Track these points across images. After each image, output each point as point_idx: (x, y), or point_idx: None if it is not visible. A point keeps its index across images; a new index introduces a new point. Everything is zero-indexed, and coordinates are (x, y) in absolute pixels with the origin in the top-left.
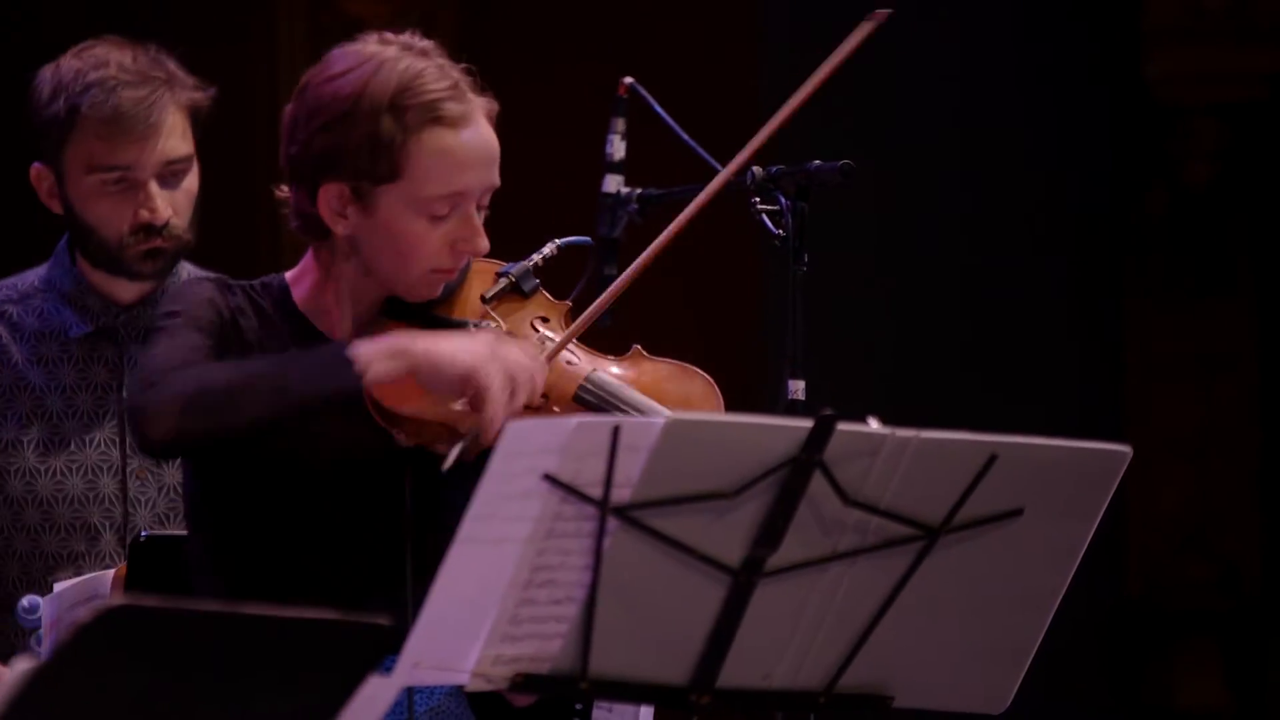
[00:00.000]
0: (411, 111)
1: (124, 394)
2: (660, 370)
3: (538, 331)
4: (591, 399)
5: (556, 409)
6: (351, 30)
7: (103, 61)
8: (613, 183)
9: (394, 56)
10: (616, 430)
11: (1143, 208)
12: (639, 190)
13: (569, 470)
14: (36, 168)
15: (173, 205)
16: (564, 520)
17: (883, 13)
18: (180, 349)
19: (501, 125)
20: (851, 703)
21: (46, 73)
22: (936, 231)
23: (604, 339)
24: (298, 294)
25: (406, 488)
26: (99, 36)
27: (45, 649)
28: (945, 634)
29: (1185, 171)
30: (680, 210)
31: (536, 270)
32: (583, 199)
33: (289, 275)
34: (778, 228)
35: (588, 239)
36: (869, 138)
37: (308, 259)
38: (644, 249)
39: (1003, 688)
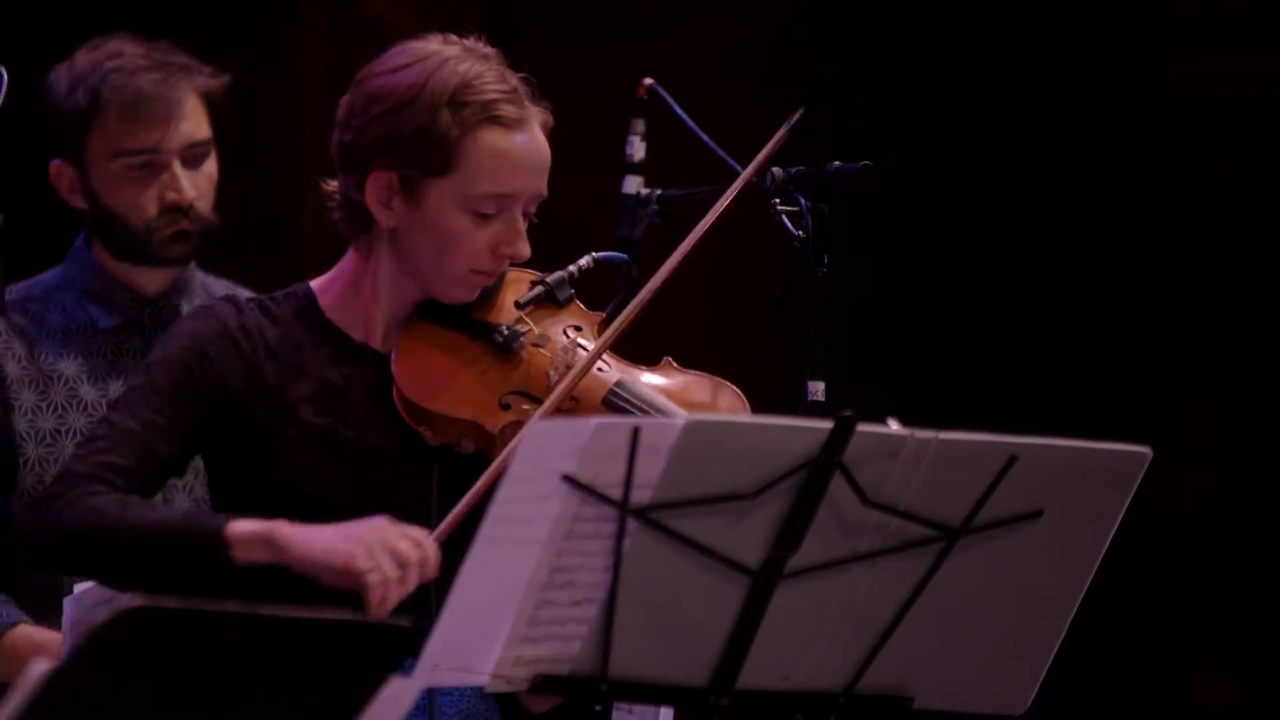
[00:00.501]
0: (470, 108)
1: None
2: (690, 381)
3: (569, 338)
4: (622, 405)
5: (583, 413)
6: (371, 31)
7: (118, 52)
8: (633, 184)
9: (457, 55)
10: (636, 431)
11: (1163, 209)
12: (659, 191)
13: (589, 472)
14: (56, 164)
15: (196, 188)
16: (584, 521)
17: (794, 119)
18: (119, 438)
19: None
20: (871, 704)
21: (61, 69)
22: (955, 232)
23: (634, 350)
24: (325, 301)
25: (433, 486)
26: (117, 26)
27: (66, 649)
28: (965, 635)
29: (1205, 172)
30: (700, 212)
31: (572, 281)
32: (603, 200)
33: (315, 284)
34: (797, 229)
35: (625, 255)
36: (887, 139)
37: (340, 265)
38: (665, 251)
39: (1022, 689)
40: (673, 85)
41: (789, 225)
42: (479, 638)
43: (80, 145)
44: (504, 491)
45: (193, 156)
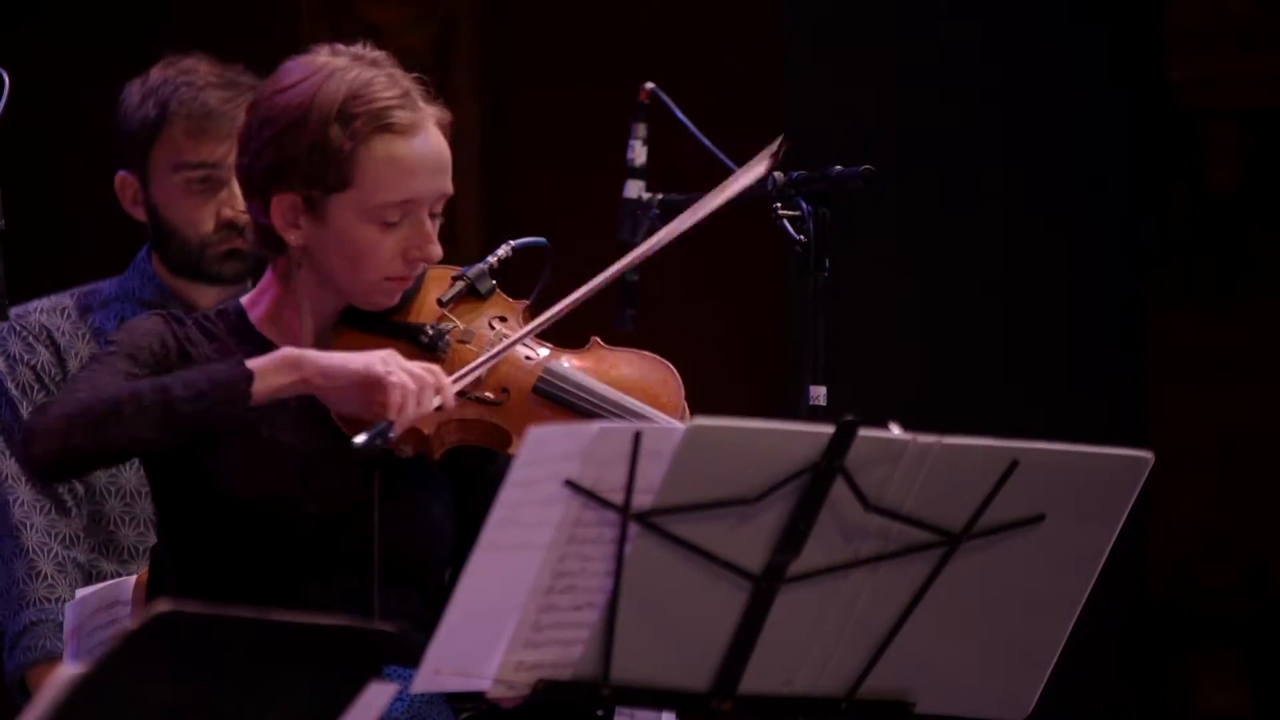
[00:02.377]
0: (360, 119)
1: None
2: (619, 358)
3: (494, 329)
4: (551, 390)
5: (515, 403)
6: (373, 34)
7: (191, 68)
8: (634, 188)
9: (343, 66)
10: (638, 436)
11: (1165, 212)
12: (660, 195)
13: (590, 476)
14: (121, 175)
15: None
16: (585, 526)
17: (775, 146)
18: (101, 376)
19: (522, 131)
20: (873, 709)
21: (135, 83)
22: (958, 236)
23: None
24: (255, 315)
25: (374, 489)
26: (127, 40)
27: (68, 655)
28: (967, 640)
29: (1208, 176)
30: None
31: (492, 272)
32: (604, 204)
33: (244, 300)
34: (799, 233)
35: (543, 240)
36: (890, 142)
37: (265, 279)
38: (667, 257)
39: (1024, 694)
40: (674, 89)
41: (790, 230)
42: (481, 642)
43: (145, 157)
44: (505, 496)
45: None
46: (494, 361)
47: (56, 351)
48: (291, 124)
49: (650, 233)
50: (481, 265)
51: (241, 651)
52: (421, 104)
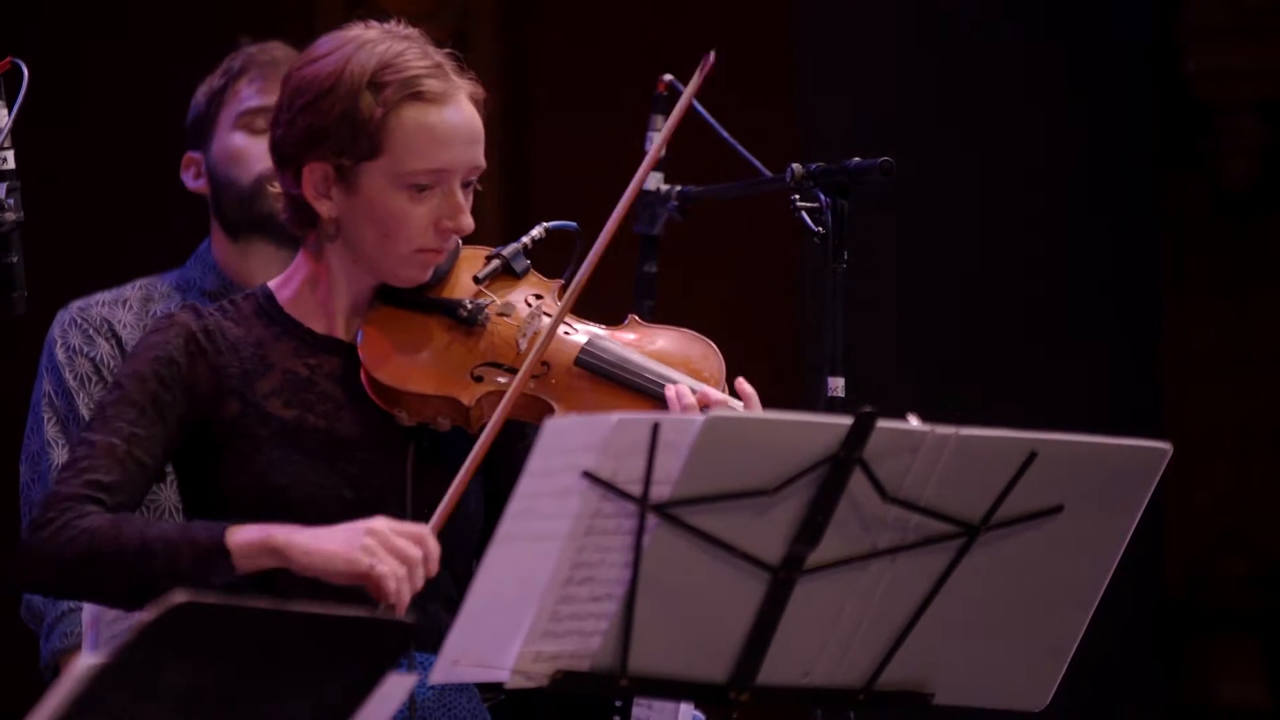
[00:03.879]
0: (391, 88)
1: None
2: (659, 334)
3: (531, 305)
4: (594, 362)
5: (557, 376)
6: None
7: (260, 46)
8: (652, 179)
9: (375, 38)
10: (656, 427)
11: (1182, 204)
12: (678, 187)
13: (608, 467)
14: (186, 157)
15: None
16: (603, 517)
17: (708, 59)
18: (100, 455)
19: (540, 122)
20: (891, 700)
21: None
22: (976, 228)
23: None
24: (283, 297)
25: (408, 471)
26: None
27: (87, 645)
28: (985, 631)
29: (1224, 168)
30: (726, 207)
31: (526, 252)
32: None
33: (273, 283)
34: (817, 225)
35: (574, 224)
36: (908, 135)
37: (295, 261)
38: (686, 246)
39: (1042, 685)
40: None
41: (809, 221)
42: (499, 634)
43: (212, 122)
44: (523, 487)
45: None
46: (547, 342)
47: (118, 343)
48: (322, 93)
49: (669, 225)
50: (516, 245)
51: (259, 642)
52: (454, 76)
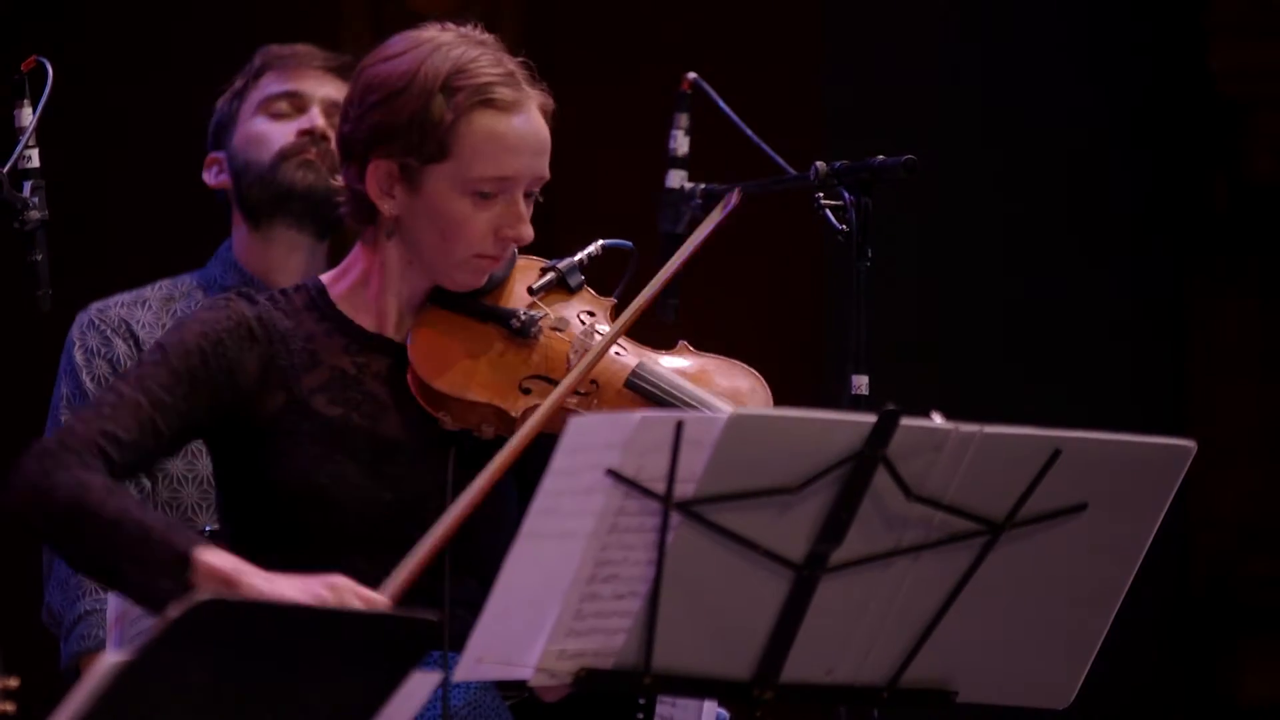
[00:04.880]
0: (463, 93)
1: None
2: (708, 364)
3: (585, 323)
4: (645, 386)
5: (605, 396)
6: (414, 24)
7: (279, 45)
8: (676, 178)
9: (450, 41)
10: (680, 426)
11: (1206, 202)
12: (702, 185)
13: (632, 465)
14: (209, 156)
15: (334, 142)
16: (627, 515)
17: (733, 198)
18: (125, 408)
19: (565, 120)
20: (915, 698)
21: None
22: (999, 227)
23: (672, 339)
24: (335, 292)
25: (450, 475)
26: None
27: (111, 643)
28: (1009, 629)
29: (1249, 166)
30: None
31: (582, 268)
32: (646, 194)
33: (325, 277)
34: (841, 223)
35: (629, 244)
36: (931, 133)
37: (349, 258)
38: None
39: (1067, 683)
40: (716, 79)
41: (833, 220)
42: (523, 631)
43: (234, 118)
44: (547, 485)
45: (335, 114)
46: (597, 360)
47: (135, 343)
48: (395, 92)
49: (693, 224)
50: (572, 260)
51: (283, 640)
52: (525, 86)
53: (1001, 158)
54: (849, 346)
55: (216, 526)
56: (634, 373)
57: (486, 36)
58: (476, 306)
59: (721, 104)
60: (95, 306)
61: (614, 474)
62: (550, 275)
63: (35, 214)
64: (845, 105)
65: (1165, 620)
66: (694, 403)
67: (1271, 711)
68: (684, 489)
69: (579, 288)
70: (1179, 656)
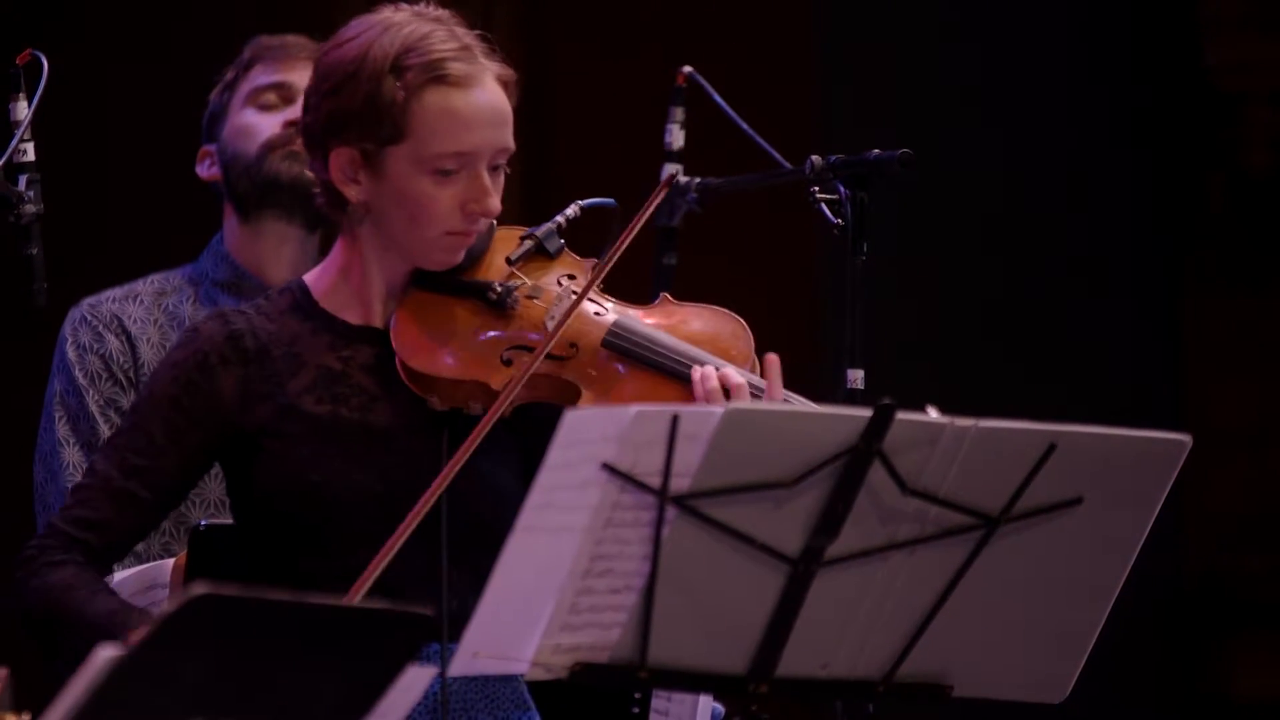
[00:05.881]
0: (413, 71)
1: None
2: (689, 312)
3: (562, 286)
4: (620, 343)
5: (584, 358)
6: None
7: (269, 36)
8: (670, 171)
9: (401, 21)
10: (675, 419)
11: (1201, 197)
12: (698, 179)
13: (627, 459)
14: (201, 149)
15: None
16: (622, 509)
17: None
18: (96, 492)
19: (560, 113)
20: (910, 692)
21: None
22: (994, 221)
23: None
24: (318, 290)
25: (444, 456)
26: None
27: None
28: (1004, 623)
29: (1244, 160)
30: (745, 199)
31: (560, 231)
32: (641, 187)
33: (308, 276)
34: (837, 217)
35: (611, 200)
36: (927, 128)
37: (331, 252)
38: (705, 239)
39: (1062, 677)
40: (711, 73)
41: (828, 213)
42: (518, 626)
43: (225, 110)
44: (542, 479)
45: None
46: (564, 323)
47: (128, 338)
48: (346, 77)
49: (688, 218)
50: (549, 225)
51: (278, 634)
52: (481, 59)
53: (996, 151)
54: (844, 341)
55: (208, 521)
56: (610, 330)
57: (442, 12)
58: (455, 284)
59: (717, 98)
60: (87, 302)
61: (609, 468)
62: (528, 244)
63: (30, 208)
64: (841, 99)
65: (1160, 615)
66: (672, 356)
67: (1265, 706)
68: (679, 483)
69: (559, 252)
70: (1173, 651)
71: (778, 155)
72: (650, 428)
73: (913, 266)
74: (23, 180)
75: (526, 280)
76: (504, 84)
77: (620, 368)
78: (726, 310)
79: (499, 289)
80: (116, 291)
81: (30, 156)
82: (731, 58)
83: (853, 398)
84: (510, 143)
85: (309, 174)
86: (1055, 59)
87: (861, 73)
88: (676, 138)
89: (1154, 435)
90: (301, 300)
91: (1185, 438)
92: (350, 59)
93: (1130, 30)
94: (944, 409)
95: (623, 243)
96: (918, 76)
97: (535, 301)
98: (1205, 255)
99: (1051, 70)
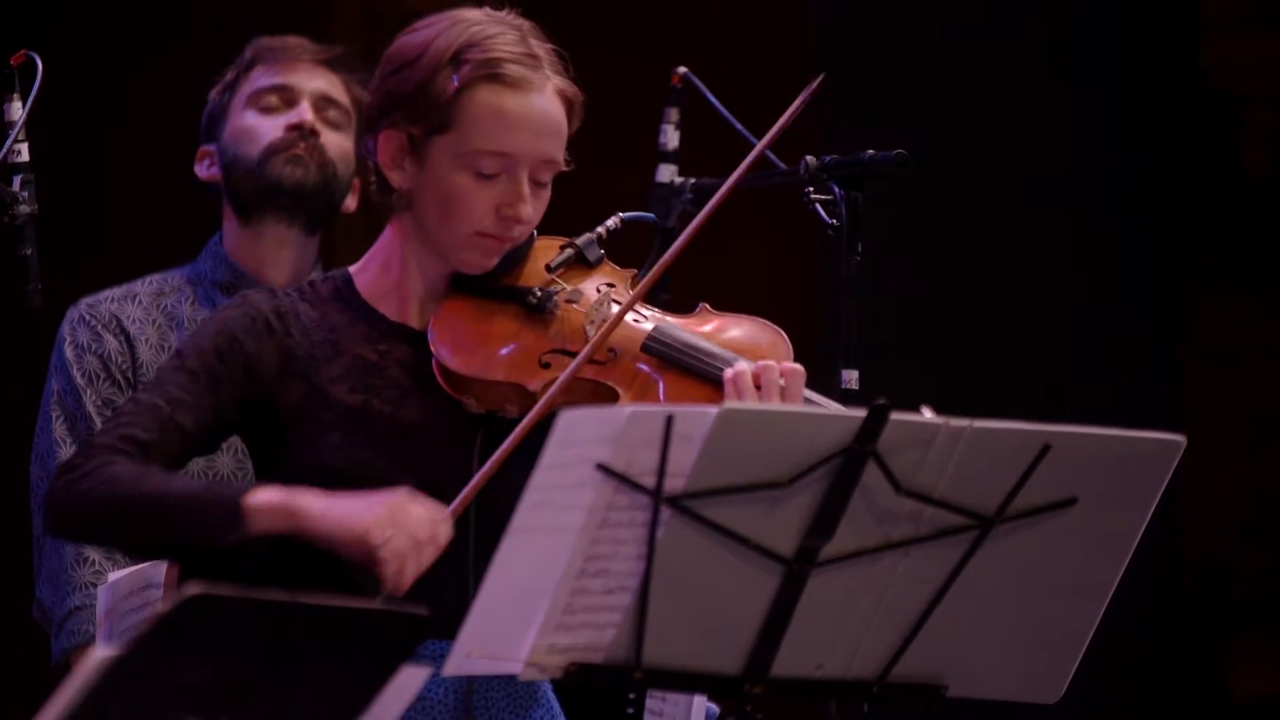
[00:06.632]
0: (470, 65)
1: None
2: (728, 321)
3: (601, 293)
4: (660, 348)
5: (623, 363)
6: (405, 18)
7: (270, 37)
8: (666, 172)
9: (475, 19)
10: (670, 420)
11: (1198, 196)
12: (693, 180)
13: (622, 460)
14: (201, 149)
15: (322, 125)
16: (617, 510)
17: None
18: (143, 412)
19: None
20: (905, 693)
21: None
22: (988, 221)
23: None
24: (361, 282)
25: (475, 459)
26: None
27: (101, 638)
28: (999, 623)
29: (1241, 160)
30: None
31: (601, 242)
32: (637, 188)
33: (353, 268)
34: (831, 218)
35: (652, 215)
36: (922, 127)
37: (375, 246)
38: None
39: (1056, 677)
40: (706, 73)
41: (823, 214)
42: (513, 626)
43: (224, 111)
44: (537, 480)
45: (325, 108)
46: (612, 327)
47: (126, 338)
48: (407, 62)
49: (683, 216)
50: (590, 235)
51: (272, 634)
52: (547, 69)
53: (991, 151)
54: (839, 341)
55: None
56: (650, 336)
57: (522, 22)
58: (494, 288)
59: (712, 98)
60: (85, 302)
61: (604, 468)
62: (568, 251)
63: (25, 208)
64: (836, 99)
65: (1155, 615)
66: (712, 360)
67: (1261, 706)
68: (674, 483)
69: (598, 262)
70: (1169, 652)
71: (772, 156)
72: (645, 428)
73: (907, 267)
74: (17, 181)
75: (566, 288)
76: (565, 100)
77: (659, 372)
78: (764, 320)
79: (538, 293)
80: (115, 292)
81: (25, 157)
82: (727, 58)
83: (847, 398)
84: (556, 156)
85: (311, 179)
86: (1052, 59)
87: (857, 73)
88: (671, 138)
89: (1149, 436)
90: (343, 290)
91: (1180, 438)
92: (415, 45)
93: (1127, 30)
94: (939, 409)
95: (676, 251)
96: (912, 76)
97: (574, 307)
98: (1202, 255)
99: (1048, 70)
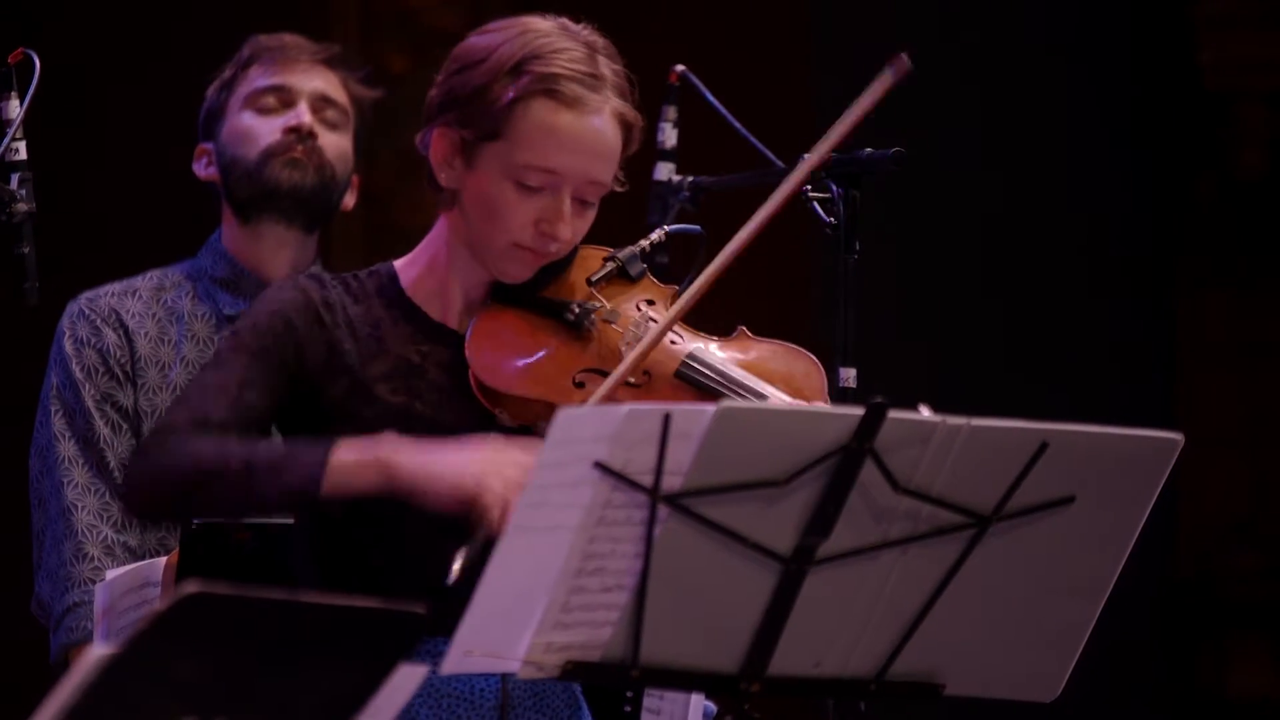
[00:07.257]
0: (530, 77)
1: None
2: (764, 348)
3: (641, 312)
4: (694, 375)
5: (657, 386)
6: (403, 17)
7: (268, 36)
8: (664, 170)
9: (544, 30)
10: (667, 418)
11: (1193, 196)
12: (690, 178)
13: (620, 458)
14: (199, 147)
15: (321, 127)
16: (615, 508)
17: (904, 63)
18: (210, 392)
19: None
20: (902, 691)
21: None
22: (986, 220)
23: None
24: (406, 280)
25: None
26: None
27: (99, 635)
28: (996, 622)
29: (1236, 160)
30: (738, 198)
31: (644, 256)
32: (634, 186)
33: (398, 263)
34: (829, 216)
35: (698, 228)
36: (919, 127)
37: (424, 241)
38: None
39: (1054, 676)
40: (704, 71)
41: (820, 212)
42: (511, 624)
43: (222, 110)
44: (536, 478)
45: (323, 109)
46: (645, 350)
47: (125, 333)
48: (471, 63)
49: (680, 215)
50: (633, 248)
51: (270, 633)
52: (609, 92)
53: (988, 150)
54: (836, 339)
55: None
56: (684, 362)
57: (596, 39)
58: (533, 300)
59: (709, 96)
60: (85, 296)
61: (601, 466)
62: (610, 265)
63: (22, 206)
64: (834, 97)
65: (1151, 614)
66: (744, 391)
67: (1256, 705)
68: (671, 482)
69: (640, 276)
70: (1165, 650)
71: (770, 154)
72: (642, 426)
73: (905, 265)
74: (14, 179)
75: (605, 303)
76: (624, 124)
77: (691, 399)
78: (800, 348)
79: (576, 310)
80: (115, 286)
81: (22, 155)
82: (724, 56)
83: (845, 396)
84: (603, 178)
85: (309, 181)
86: (1048, 57)
87: (855, 71)
88: (669, 136)
89: (1146, 434)
90: (388, 286)
91: (1177, 437)
92: (481, 48)
93: (1125, 30)
94: (936, 407)
95: (714, 274)
96: (910, 80)
97: (612, 326)
98: (1198, 255)
99: (1044, 68)
